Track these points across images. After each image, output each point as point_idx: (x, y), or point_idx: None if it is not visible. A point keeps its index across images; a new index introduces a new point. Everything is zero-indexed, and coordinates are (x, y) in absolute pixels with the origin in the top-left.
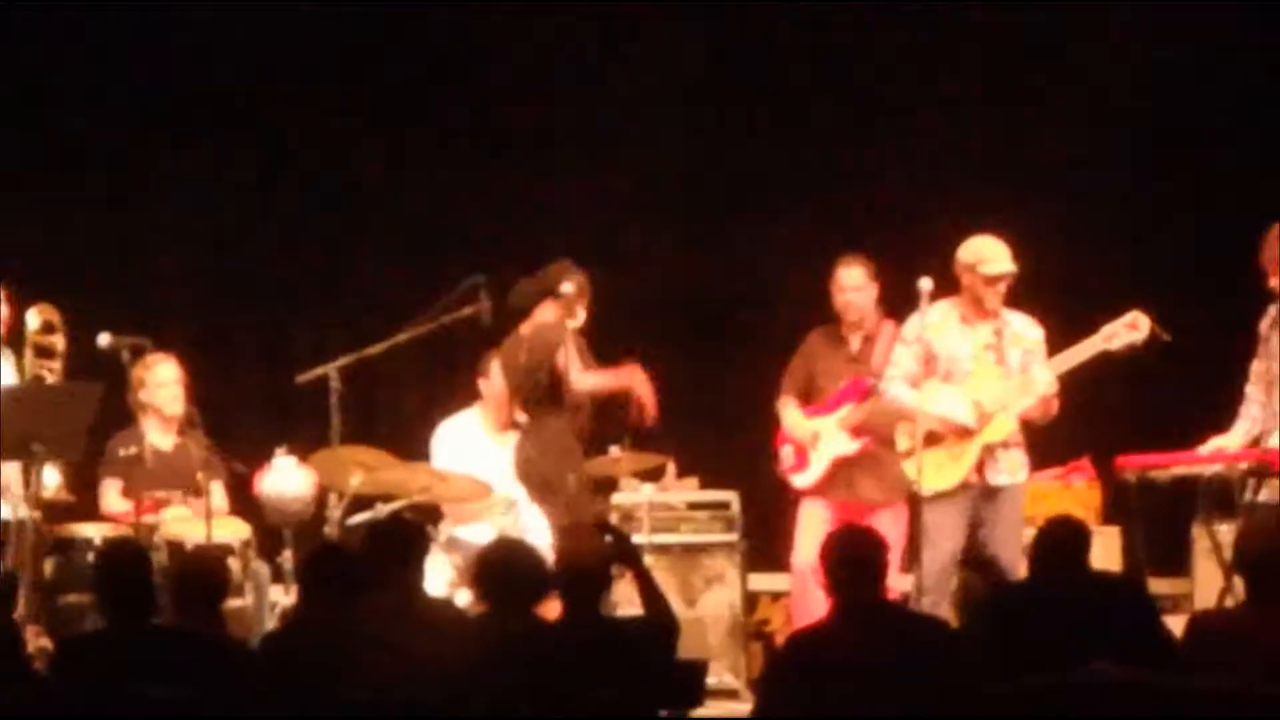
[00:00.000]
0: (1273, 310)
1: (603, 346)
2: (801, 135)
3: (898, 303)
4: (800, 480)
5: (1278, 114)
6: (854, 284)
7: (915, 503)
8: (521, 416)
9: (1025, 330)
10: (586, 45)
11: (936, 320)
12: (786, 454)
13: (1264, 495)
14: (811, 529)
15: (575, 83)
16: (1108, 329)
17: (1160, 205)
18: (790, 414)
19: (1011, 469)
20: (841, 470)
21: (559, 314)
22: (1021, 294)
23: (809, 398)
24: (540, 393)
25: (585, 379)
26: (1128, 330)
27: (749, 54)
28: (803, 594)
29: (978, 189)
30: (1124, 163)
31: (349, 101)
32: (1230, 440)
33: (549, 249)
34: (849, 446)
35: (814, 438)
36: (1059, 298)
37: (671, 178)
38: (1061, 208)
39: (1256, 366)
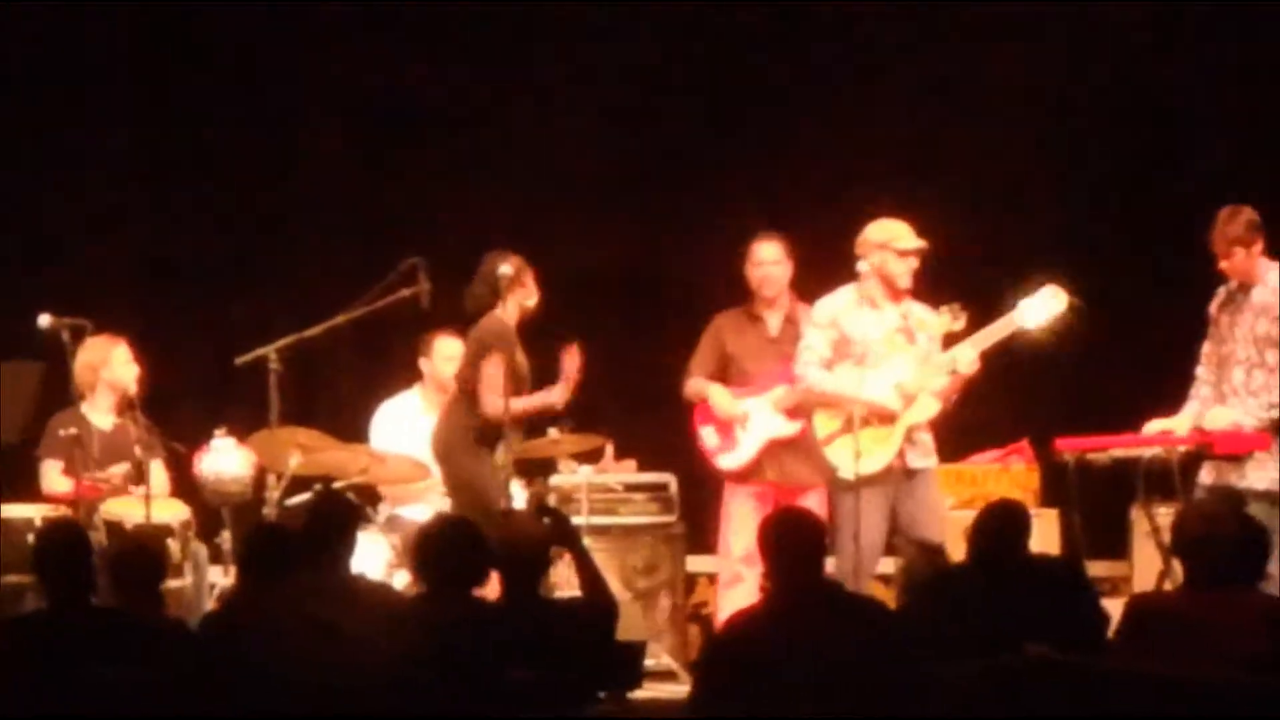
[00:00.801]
0: (1222, 292)
1: (541, 329)
2: (737, 118)
3: (830, 285)
4: (729, 461)
5: (1212, 93)
6: (770, 259)
7: (838, 488)
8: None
9: (926, 316)
10: (519, 26)
11: (843, 304)
12: (709, 434)
13: (1204, 477)
14: (739, 521)
15: (510, 64)
16: (1025, 303)
17: (1095, 186)
18: (716, 392)
19: (926, 452)
20: (773, 452)
21: (517, 304)
22: (947, 275)
23: (725, 380)
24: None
25: (499, 405)
26: (1045, 303)
27: (681, 37)
28: (730, 586)
29: (908, 171)
30: (1057, 143)
31: (287, 83)
32: (1179, 422)
33: (486, 230)
34: (787, 428)
35: (744, 418)
36: (983, 278)
37: (609, 160)
38: (990, 190)
39: (1206, 348)
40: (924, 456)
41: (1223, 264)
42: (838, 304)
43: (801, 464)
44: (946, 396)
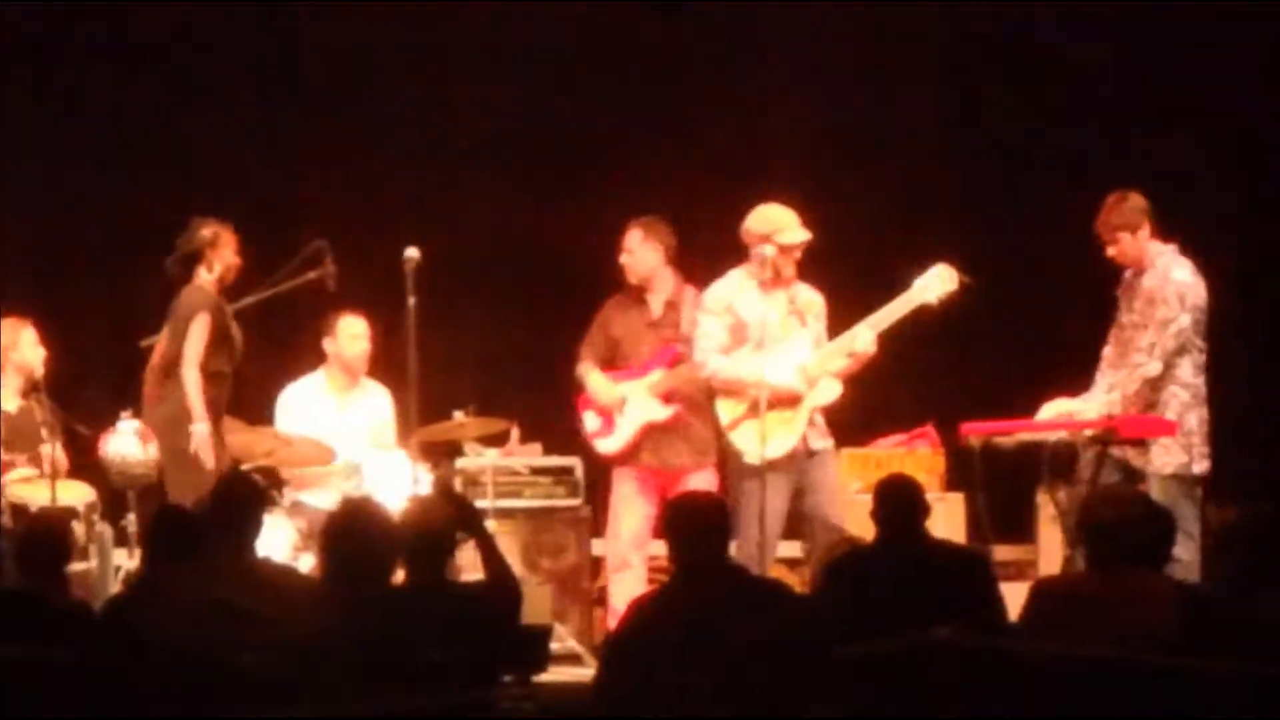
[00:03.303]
0: (1127, 275)
1: (441, 312)
2: (637, 100)
3: (725, 269)
4: (606, 445)
5: (1101, 75)
6: (627, 245)
7: (742, 472)
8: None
9: (812, 296)
10: (416, 5)
11: (735, 288)
12: (590, 419)
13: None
14: (624, 505)
15: (406, 44)
16: (919, 283)
17: (998, 165)
18: (594, 378)
19: (824, 432)
20: (650, 436)
21: (220, 268)
22: (837, 259)
23: (612, 363)
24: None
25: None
26: (939, 282)
27: (578, 15)
28: (619, 571)
29: (803, 153)
30: (956, 121)
31: (184, 62)
32: (1087, 404)
33: (388, 213)
34: (660, 413)
35: (620, 402)
36: (879, 262)
37: (510, 144)
38: (891, 172)
39: (1113, 331)
40: (823, 437)
41: (1109, 250)
42: (730, 288)
43: (680, 448)
44: (844, 378)
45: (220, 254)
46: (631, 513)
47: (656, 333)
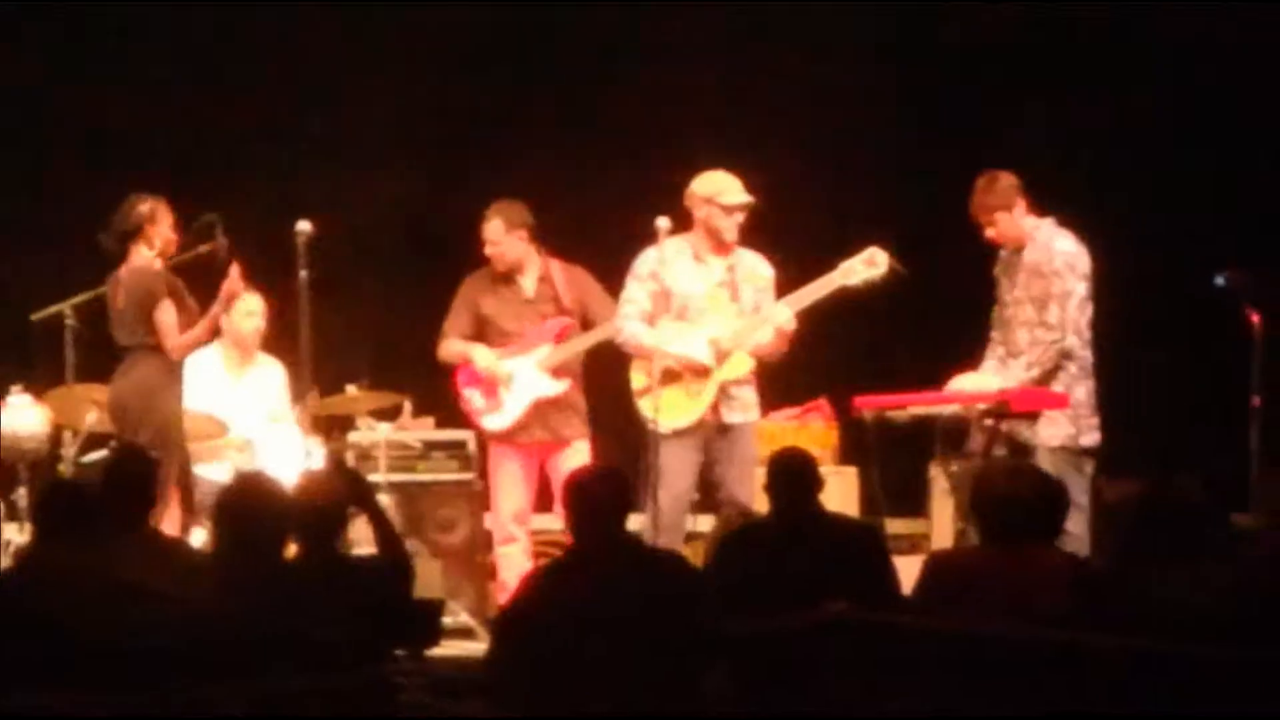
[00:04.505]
0: (1003, 254)
1: (334, 286)
2: (537, 76)
3: (634, 241)
4: (495, 422)
5: (1020, 54)
6: (490, 237)
7: (651, 441)
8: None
9: (757, 267)
10: None
11: (670, 256)
12: (473, 396)
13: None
14: (507, 480)
15: (304, 25)
16: (845, 265)
17: (901, 144)
18: (482, 354)
19: (745, 407)
20: (541, 411)
21: (160, 243)
22: (763, 232)
23: (482, 341)
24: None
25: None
26: (865, 266)
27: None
28: (505, 545)
29: (719, 128)
30: (865, 102)
31: (77, 41)
32: (981, 379)
33: (286, 187)
34: (553, 388)
35: (509, 378)
36: (799, 236)
37: (406, 118)
38: (803, 147)
39: (995, 311)
40: (741, 412)
41: (988, 232)
42: (661, 256)
43: (566, 419)
44: (770, 353)
45: (159, 229)
46: (514, 487)
47: (534, 309)
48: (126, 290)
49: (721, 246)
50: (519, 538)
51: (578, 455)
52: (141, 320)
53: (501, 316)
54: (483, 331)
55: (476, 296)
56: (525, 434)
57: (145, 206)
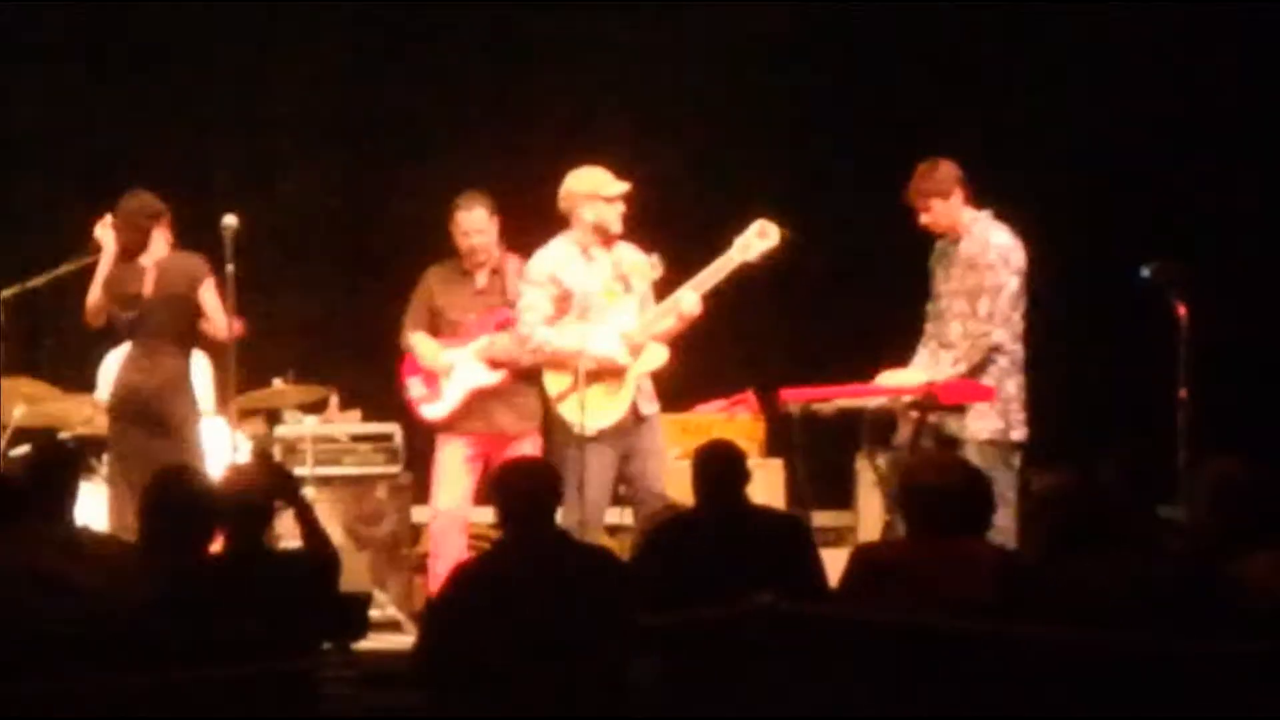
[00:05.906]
0: (938, 245)
1: (260, 279)
2: (461, 71)
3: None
4: (432, 411)
5: (945, 46)
6: (477, 226)
7: (568, 442)
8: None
9: (636, 257)
10: None
11: (558, 257)
12: (415, 385)
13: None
14: (448, 472)
15: (233, 12)
16: (739, 241)
17: (825, 134)
18: (424, 344)
19: (651, 396)
20: (478, 401)
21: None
22: (665, 215)
23: (435, 332)
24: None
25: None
26: (759, 239)
27: None
28: (444, 538)
29: (622, 122)
30: (778, 88)
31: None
32: (911, 374)
33: (211, 177)
34: (489, 378)
35: (449, 368)
36: (695, 222)
37: (333, 113)
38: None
39: (929, 303)
40: (650, 401)
41: (923, 219)
42: (554, 258)
43: (507, 412)
44: (669, 339)
45: (168, 219)
46: (455, 480)
47: (483, 300)
48: (164, 277)
49: (608, 240)
50: (456, 532)
51: (523, 451)
52: (179, 307)
53: (451, 308)
54: (433, 323)
55: (431, 289)
56: (464, 424)
57: (153, 196)
